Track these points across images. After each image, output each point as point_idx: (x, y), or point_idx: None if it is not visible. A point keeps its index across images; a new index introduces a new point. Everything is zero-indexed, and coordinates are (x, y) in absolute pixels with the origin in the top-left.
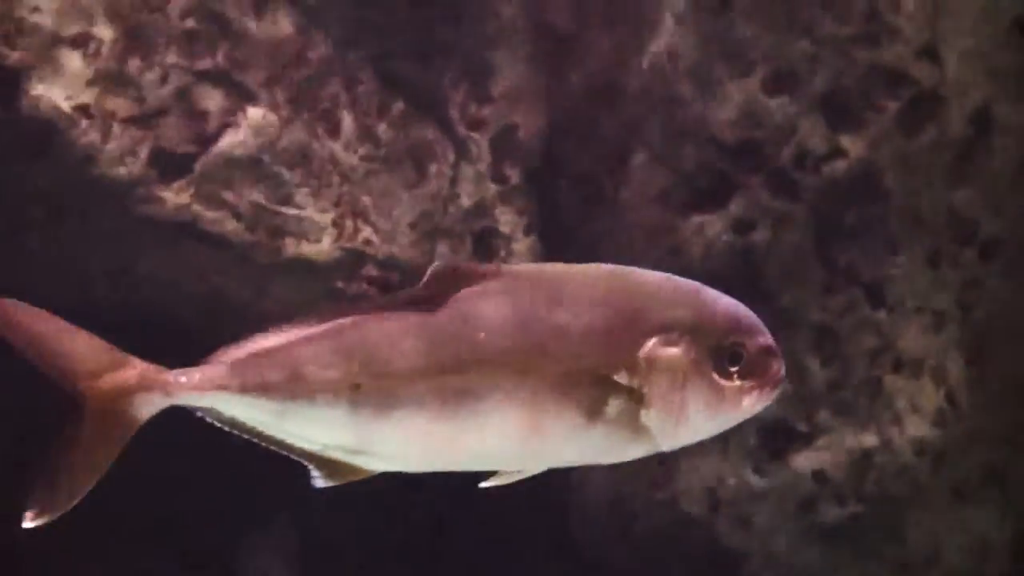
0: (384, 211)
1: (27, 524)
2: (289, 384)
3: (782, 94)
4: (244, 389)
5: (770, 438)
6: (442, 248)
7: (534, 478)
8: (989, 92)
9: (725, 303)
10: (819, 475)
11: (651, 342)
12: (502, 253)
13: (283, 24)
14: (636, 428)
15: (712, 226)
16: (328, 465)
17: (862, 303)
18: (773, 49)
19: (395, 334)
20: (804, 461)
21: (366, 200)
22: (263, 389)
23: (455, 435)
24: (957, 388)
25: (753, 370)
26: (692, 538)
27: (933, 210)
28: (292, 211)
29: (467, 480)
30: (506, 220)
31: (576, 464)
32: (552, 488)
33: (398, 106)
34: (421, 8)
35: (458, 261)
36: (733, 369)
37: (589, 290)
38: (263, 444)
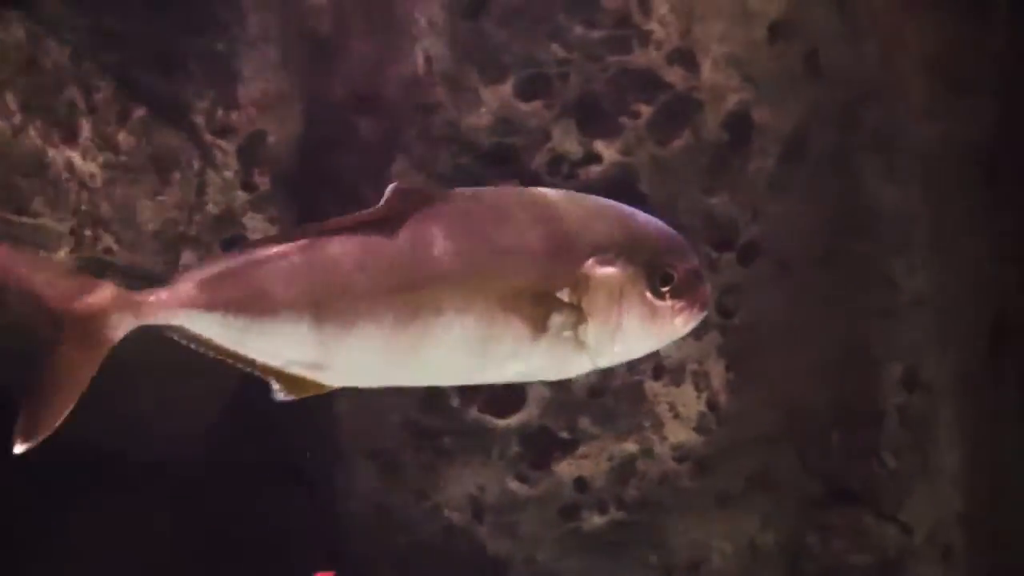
0: (126, 219)
1: (17, 450)
2: (254, 301)
3: (535, 99)
4: (211, 307)
5: (532, 446)
6: (187, 256)
7: (301, 486)
8: (746, 96)
9: (658, 226)
10: (581, 482)
11: (589, 261)
12: None
13: (14, 30)
14: (577, 344)
15: None
16: (290, 381)
17: None
18: (525, 54)
19: (354, 253)
20: (566, 469)
21: (106, 208)
22: (229, 307)
23: (410, 350)
24: (719, 394)
25: (683, 291)
26: (456, 546)
27: (690, 215)
28: (27, 220)
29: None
30: (256, 228)
31: (524, 380)
32: (320, 498)
33: (140, 113)
34: (165, 15)
35: (415, 183)
36: (665, 289)
37: (534, 212)
38: (228, 361)
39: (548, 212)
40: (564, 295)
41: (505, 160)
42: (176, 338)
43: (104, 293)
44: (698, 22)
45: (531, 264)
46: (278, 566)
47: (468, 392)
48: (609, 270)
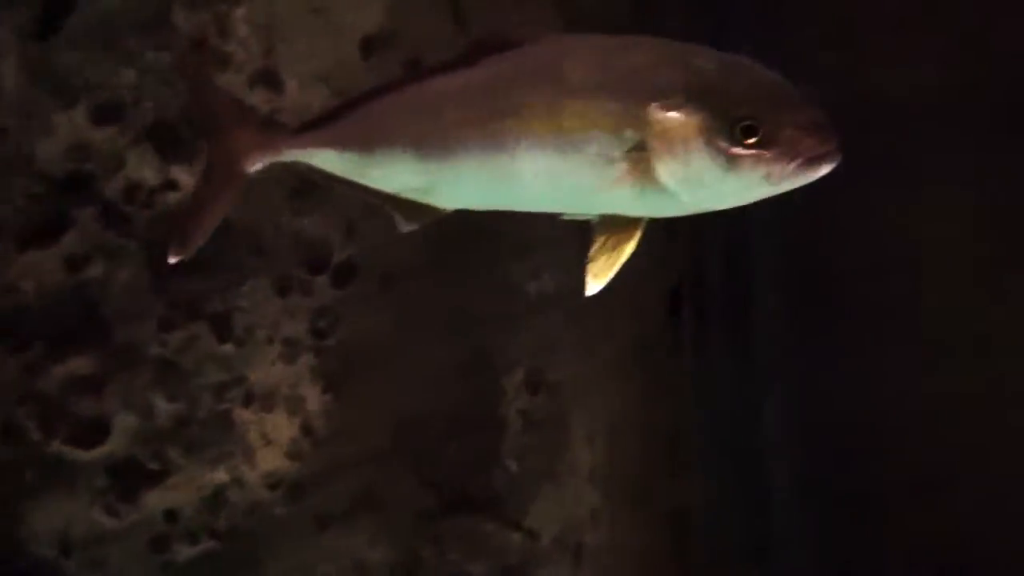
0: None
1: (171, 260)
2: (370, 136)
3: (110, 125)
4: (336, 144)
5: (121, 477)
6: None
7: None
8: None
9: (752, 75)
10: (171, 514)
11: (655, 104)
12: None
13: None
14: (654, 184)
15: (46, 262)
16: (405, 207)
17: (206, 336)
18: (98, 79)
19: (448, 89)
20: (155, 500)
21: None
22: (351, 143)
23: (499, 178)
24: (314, 417)
25: (772, 142)
26: None
27: (278, 238)
28: None
29: None
30: None
31: (618, 213)
32: None
33: None
34: None
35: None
36: (749, 140)
37: (610, 54)
38: (350, 191)
39: (627, 54)
40: (630, 135)
41: (80, 188)
42: (302, 170)
43: (250, 131)
44: (280, 43)
45: (598, 104)
46: None
47: (49, 425)
48: (671, 114)
